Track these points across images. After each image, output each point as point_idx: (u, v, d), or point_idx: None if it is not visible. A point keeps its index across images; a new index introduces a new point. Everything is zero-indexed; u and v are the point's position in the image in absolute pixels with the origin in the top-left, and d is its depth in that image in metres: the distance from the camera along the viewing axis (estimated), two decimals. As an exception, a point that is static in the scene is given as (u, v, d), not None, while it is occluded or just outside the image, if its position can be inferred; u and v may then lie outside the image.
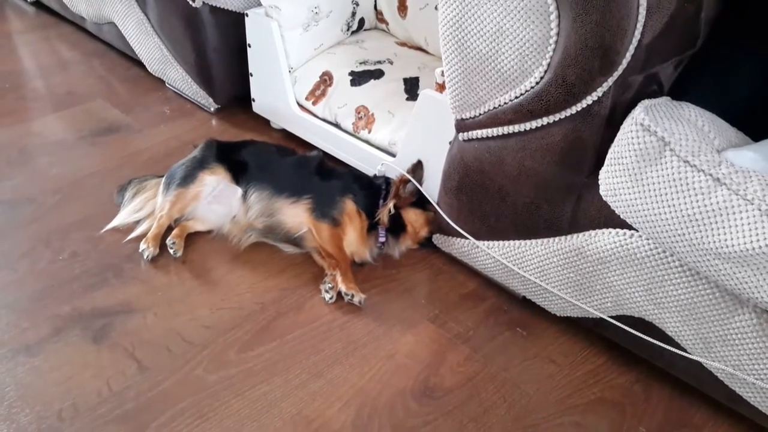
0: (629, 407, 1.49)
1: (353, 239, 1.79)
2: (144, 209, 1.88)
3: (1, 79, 2.63)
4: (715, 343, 1.30)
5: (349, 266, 1.75)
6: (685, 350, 1.37)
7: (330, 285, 1.69)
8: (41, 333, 1.54)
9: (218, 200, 1.86)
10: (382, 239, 1.82)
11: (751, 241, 1.09)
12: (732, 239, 1.12)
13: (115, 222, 1.86)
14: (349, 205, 1.80)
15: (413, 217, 1.84)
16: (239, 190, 1.84)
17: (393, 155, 1.98)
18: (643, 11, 1.16)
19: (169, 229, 1.82)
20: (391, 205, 1.81)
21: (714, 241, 1.14)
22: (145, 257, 1.76)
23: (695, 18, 1.32)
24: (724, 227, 1.13)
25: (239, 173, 1.87)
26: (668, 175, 1.17)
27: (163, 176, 1.90)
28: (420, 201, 1.83)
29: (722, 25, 1.41)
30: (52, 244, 1.80)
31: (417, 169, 1.83)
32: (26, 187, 2.02)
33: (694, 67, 1.43)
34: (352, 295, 1.67)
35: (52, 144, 2.26)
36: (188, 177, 1.84)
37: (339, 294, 1.69)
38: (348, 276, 1.71)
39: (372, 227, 1.82)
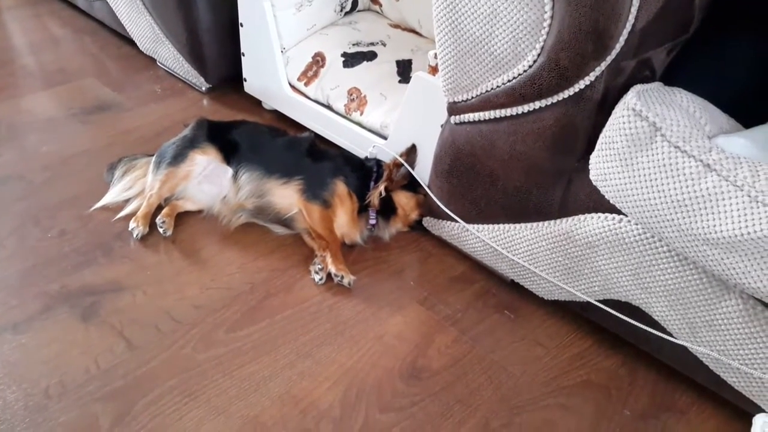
0: (614, 390, 1.51)
1: (344, 221, 1.79)
2: (134, 188, 1.87)
3: (-10, 55, 2.61)
4: (701, 328, 1.31)
5: (339, 248, 1.75)
6: (671, 335, 1.38)
7: (320, 266, 1.70)
8: (29, 310, 1.53)
9: (209, 180, 1.85)
10: (372, 221, 1.82)
11: (740, 228, 1.10)
12: (721, 225, 1.12)
13: (105, 200, 1.85)
14: (340, 187, 1.80)
15: (404, 199, 1.84)
16: (230, 170, 1.84)
17: (385, 138, 1.97)
18: (637, -5, 1.16)
19: (159, 208, 1.82)
20: (382, 187, 1.81)
21: (703, 227, 1.15)
22: (134, 236, 1.75)
23: (689, 3, 1.32)
24: (713, 213, 1.13)
25: (230, 153, 1.86)
26: (659, 160, 1.17)
27: (153, 155, 1.89)
28: (411, 184, 1.83)
29: (716, 11, 1.41)
30: (41, 221, 1.79)
31: (411, 152, 1.83)
32: (15, 164, 2.01)
33: (686, 53, 1.43)
34: (342, 277, 1.67)
35: (42, 121, 2.24)
36: (179, 156, 1.83)
37: (329, 275, 1.69)
38: (338, 257, 1.71)
39: (362, 209, 1.82)
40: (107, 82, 2.48)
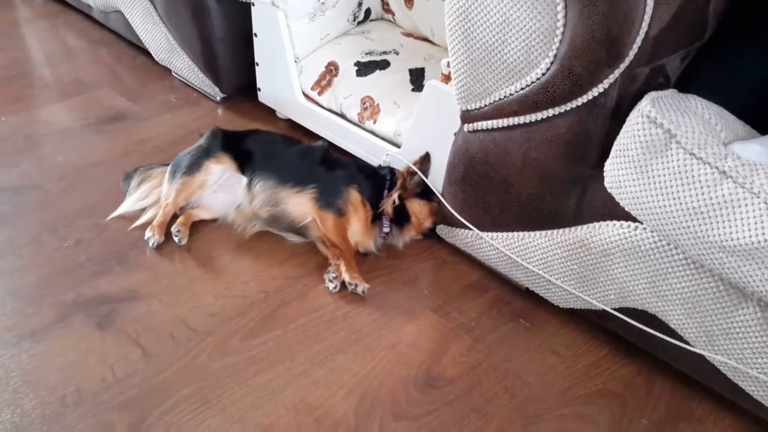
0: (631, 399, 1.50)
1: (357, 229, 1.79)
2: (149, 197, 1.89)
3: (9, 66, 2.64)
4: (719, 336, 1.30)
5: (353, 256, 1.76)
6: (688, 343, 1.37)
7: (334, 274, 1.70)
8: (46, 319, 1.55)
9: (223, 189, 1.86)
10: (386, 229, 1.82)
11: (757, 235, 1.09)
12: (737, 232, 1.12)
13: (121, 210, 1.87)
14: (354, 195, 1.80)
15: (417, 207, 1.84)
16: (244, 179, 1.85)
17: (398, 146, 1.98)
18: (651, 2, 1.16)
19: (174, 217, 1.83)
20: (395, 195, 1.81)
21: (719, 234, 1.14)
22: (150, 245, 1.76)
23: (704, 10, 1.32)
24: (729, 220, 1.12)
25: (244, 162, 1.87)
26: (674, 167, 1.17)
27: (168, 164, 1.90)
28: (424, 192, 1.83)
29: (730, 16, 1.40)
30: (57, 231, 1.81)
31: (425, 161, 1.83)
32: (32, 174, 2.03)
33: (701, 59, 1.42)
34: (356, 285, 1.67)
35: (59, 132, 2.26)
36: (194, 165, 1.84)
37: (343, 283, 1.70)
38: (352, 266, 1.71)
39: (376, 217, 1.82)
40: (123, 93, 2.51)
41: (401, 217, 1.84)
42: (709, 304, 1.28)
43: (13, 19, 3.07)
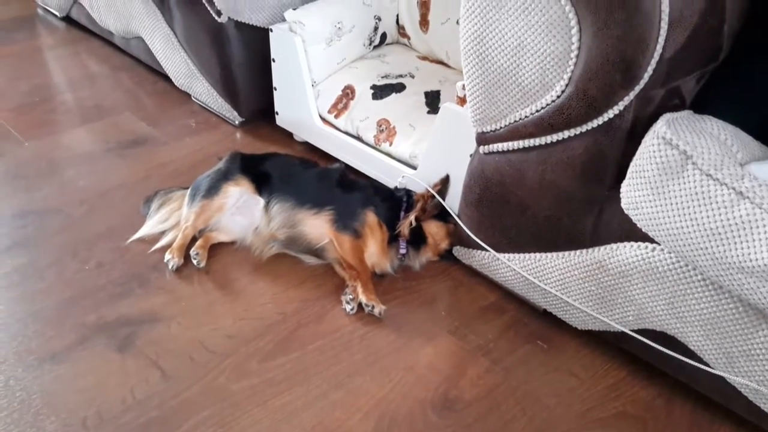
0: (651, 422, 1.48)
1: (374, 251, 1.80)
2: (169, 220, 1.91)
3: (32, 92, 2.69)
4: (739, 358, 1.29)
5: (370, 278, 1.76)
6: (707, 365, 1.35)
7: (351, 296, 1.70)
8: (67, 341, 1.57)
9: (241, 211, 1.88)
10: (402, 251, 1.83)
11: (775, 255, 1.09)
12: (755, 253, 1.11)
13: (141, 233, 1.89)
14: (371, 217, 1.81)
15: (434, 229, 1.84)
16: (262, 202, 1.87)
17: (414, 168, 1.99)
18: (665, 25, 1.17)
19: (194, 240, 1.85)
20: (412, 217, 1.82)
21: (737, 255, 1.13)
22: (169, 267, 1.78)
23: (718, 31, 1.32)
24: (747, 241, 1.12)
25: (262, 185, 1.89)
26: (690, 188, 1.17)
27: (188, 188, 1.93)
28: (441, 213, 1.84)
29: (746, 37, 1.41)
30: (78, 254, 1.83)
31: (445, 183, 1.84)
32: (54, 198, 2.06)
33: (716, 80, 1.42)
34: (373, 307, 1.68)
35: (80, 156, 2.30)
36: (213, 188, 1.86)
37: (360, 305, 1.70)
38: (369, 287, 1.72)
39: (393, 239, 1.83)
40: (143, 117, 2.55)
41: (418, 239, 1.84)
42: (729, 326, 1.27)
43: (36, 46, 3.13)
